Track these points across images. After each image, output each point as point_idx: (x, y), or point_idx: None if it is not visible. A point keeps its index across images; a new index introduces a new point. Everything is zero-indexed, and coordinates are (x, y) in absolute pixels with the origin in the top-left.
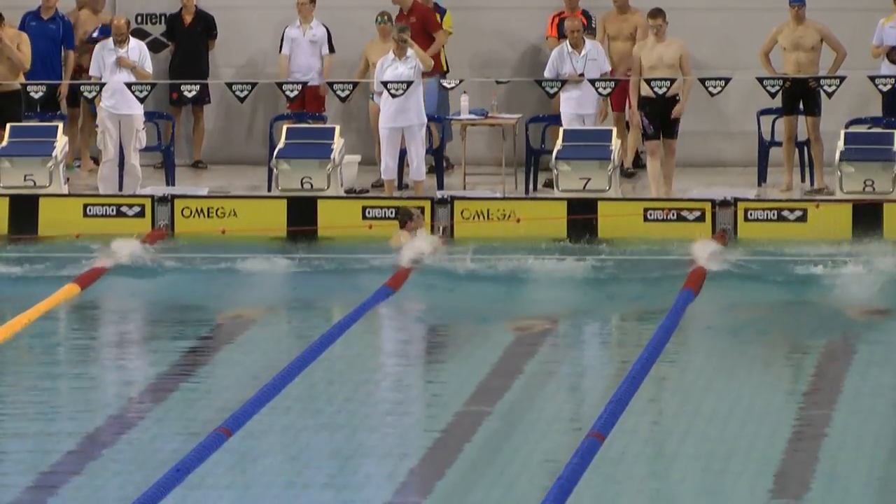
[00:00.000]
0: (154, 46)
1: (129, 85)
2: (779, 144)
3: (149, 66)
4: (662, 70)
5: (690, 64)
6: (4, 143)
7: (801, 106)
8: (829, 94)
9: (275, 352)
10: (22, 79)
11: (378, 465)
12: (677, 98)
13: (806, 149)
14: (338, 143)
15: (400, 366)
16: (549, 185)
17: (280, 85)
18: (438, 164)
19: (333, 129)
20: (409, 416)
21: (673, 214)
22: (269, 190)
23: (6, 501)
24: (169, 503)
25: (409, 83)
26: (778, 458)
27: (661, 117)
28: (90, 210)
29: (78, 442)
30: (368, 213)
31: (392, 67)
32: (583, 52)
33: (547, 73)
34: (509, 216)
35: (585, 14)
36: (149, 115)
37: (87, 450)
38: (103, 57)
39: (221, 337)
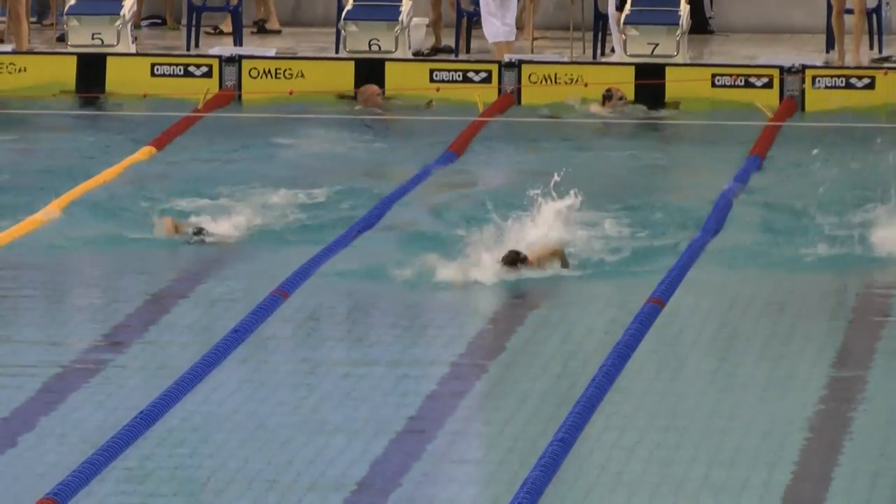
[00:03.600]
0: None
1: None
2: (849, 12)
3: None
4: None
5: None
6: (73, 1)
7: None
8: None
9: (333, 214)
10: None
11: (440, 330)
12: None
13: (875, 16)
14: (406, 5)
15: (461, 230)
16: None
17: None
18: None
19: None
20: (472, 281)
21: (741, 80)
22: (337, 52)
23: (69, 354)
24: (231, 364)
25: None
26: (841, 328)
27: None
28: (157, 70)
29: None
30: (436, 76)
31: None
32: None
33: None
34: (577, 80)
35: None
36: None
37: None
38: None
39: (276, 203)
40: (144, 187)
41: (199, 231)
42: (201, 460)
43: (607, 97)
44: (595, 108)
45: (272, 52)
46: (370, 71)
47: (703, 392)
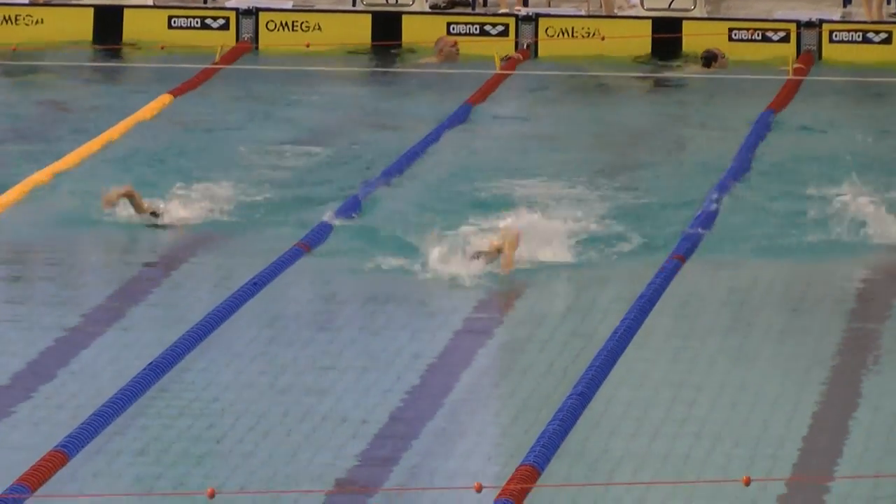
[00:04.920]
0: None
1: None
2: None
3: None
4: None
5: None
6: None
7: None
8: None
9: (349, 170)
10: None
11: (454, 288)
12: None
13: None
14: None
15: (484, 180)
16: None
17: None
18: None
19: None
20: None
21: (758, 35)
22: (354, 4)
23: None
24: (245, 320)
25: None
26: (854, 290)
27: None
28: (174, 22)
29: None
30: (453, 28)
31: None
32: None
33: None
34: (594, 34)
35: None
36: None
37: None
38: None
39: (292, 158)
40: (160, 142)
41: (155, 214)
42: (214, 418)
43: (711, 58)
44: (696, 70)
45: (289, 5)
46: (387, 24)
47: (717, 353)
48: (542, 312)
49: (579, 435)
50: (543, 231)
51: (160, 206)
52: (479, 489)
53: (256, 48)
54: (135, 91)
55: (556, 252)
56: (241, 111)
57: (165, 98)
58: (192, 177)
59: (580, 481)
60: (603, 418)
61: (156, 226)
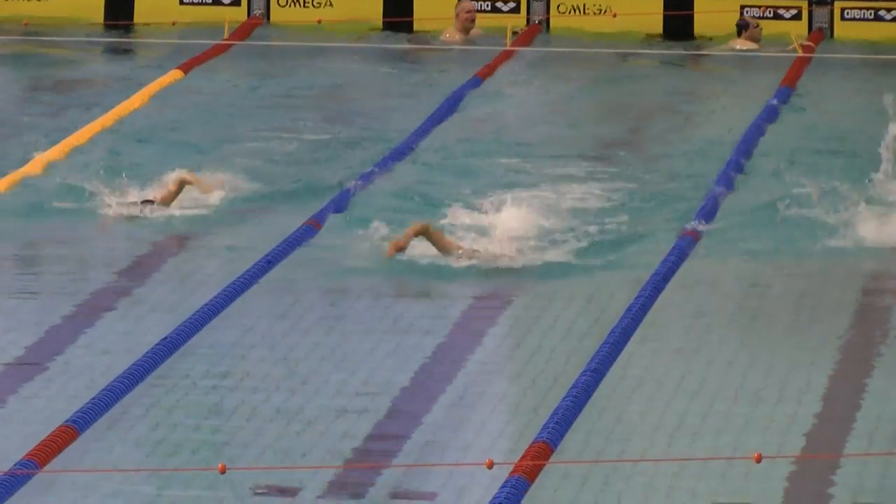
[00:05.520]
0: None
1: None
2: None
3: None
4: None
5: None
6: None
7: None
8: None
9: (358, 148)
10: None
11: (463, 266)
12: None
13: None
14: None
15: (493, 157)
16: None
17: None
18: None
19: None
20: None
21: (769, 12)
22: None
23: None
24: (256, 296)
25: None
26: (872, 255)
27: None
28: None
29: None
30: None
31: None
32: None
33: None
34: (605, 10)
35: None
36: None
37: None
38: None
39: (302, 135)
40: (170, 119)
41: (146, 202)
42: (224, 393)
43: (743, 26)
44: (731, 42)
45: None
46: (399, 0)
47: (727, 330)
48: (551, 291)
49: (590, 413)
50: (552, 209)
51: (151, 193)
52: (491, 465)
53: (268, 24)
54: (145, 67)
55: (565, 230)
56: (252, 87)
57: (176, 74)
58: (202, 154)
59: (591, 458)
60: (613, 396)
61: (150, 207)
